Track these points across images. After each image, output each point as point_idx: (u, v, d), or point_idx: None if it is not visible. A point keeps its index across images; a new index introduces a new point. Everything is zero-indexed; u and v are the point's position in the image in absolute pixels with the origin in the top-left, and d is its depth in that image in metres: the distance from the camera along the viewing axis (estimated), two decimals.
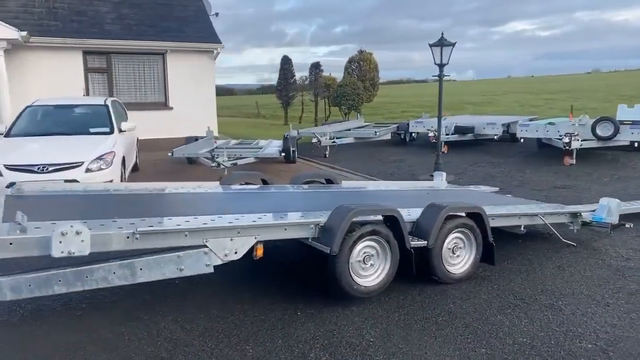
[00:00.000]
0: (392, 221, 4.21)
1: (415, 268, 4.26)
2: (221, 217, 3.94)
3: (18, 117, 8.80)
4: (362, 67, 22.48)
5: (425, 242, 4.33)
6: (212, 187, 5.82)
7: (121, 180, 8.14)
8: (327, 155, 13.61)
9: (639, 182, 9.33)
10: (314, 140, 13.46)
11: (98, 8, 14.26)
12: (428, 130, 14.05)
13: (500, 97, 42.33)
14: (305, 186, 6.46)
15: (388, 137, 15.88)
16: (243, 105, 42.22)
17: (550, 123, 12.13)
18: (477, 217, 4.67)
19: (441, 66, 9.69)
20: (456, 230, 4.57)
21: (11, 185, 5.04)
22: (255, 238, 3.77)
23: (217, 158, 9.57)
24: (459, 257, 4.64)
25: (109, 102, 9.38)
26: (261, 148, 11.78)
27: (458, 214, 4.60)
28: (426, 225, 4.41)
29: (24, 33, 11.83)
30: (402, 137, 15.89)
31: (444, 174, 7.85)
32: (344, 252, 3.93)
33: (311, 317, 3.94)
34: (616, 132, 11.19)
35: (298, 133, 14.91)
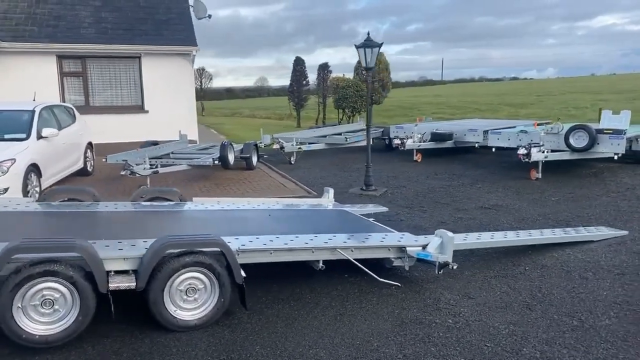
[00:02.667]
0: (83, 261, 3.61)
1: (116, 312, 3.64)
2: None
3: None
4: None
5: (134, 284, 3.68)
6: (19, 204, 5.44)
7: (26, 190, 7.98)
8: (292, 162, 12.97)
9: (589, 203, 7.94)
10: (275, 146, 12.86)
11: (78, 12, 14.43)
12: (397, 136, 13.00)
13: (551, 97, 39.43)
14: (143, 203, 5.95)
15: (364, 143, 14.91)
16: (281, 107, 42.13)
17: (522, 131, 10.78)
18: (220, 254, 3.94)
19: (368, 69, 8.80)
20: (189, 269, 3.86)
21: None
22: None
23: (132, 166, 9.18)
24: (196, 300, 3.93)
25: (37, 108, 9.31)
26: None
27: (195, 249, 3.90)
28: (144, 264, 3.76)
29: None
30: (387, 142, 14.89)
31: (332, 190, 7.02)
32: (4, 296, 3.39)
33: None
34: (592, 142, 9.68)
35: (272, 137, 14.38)
